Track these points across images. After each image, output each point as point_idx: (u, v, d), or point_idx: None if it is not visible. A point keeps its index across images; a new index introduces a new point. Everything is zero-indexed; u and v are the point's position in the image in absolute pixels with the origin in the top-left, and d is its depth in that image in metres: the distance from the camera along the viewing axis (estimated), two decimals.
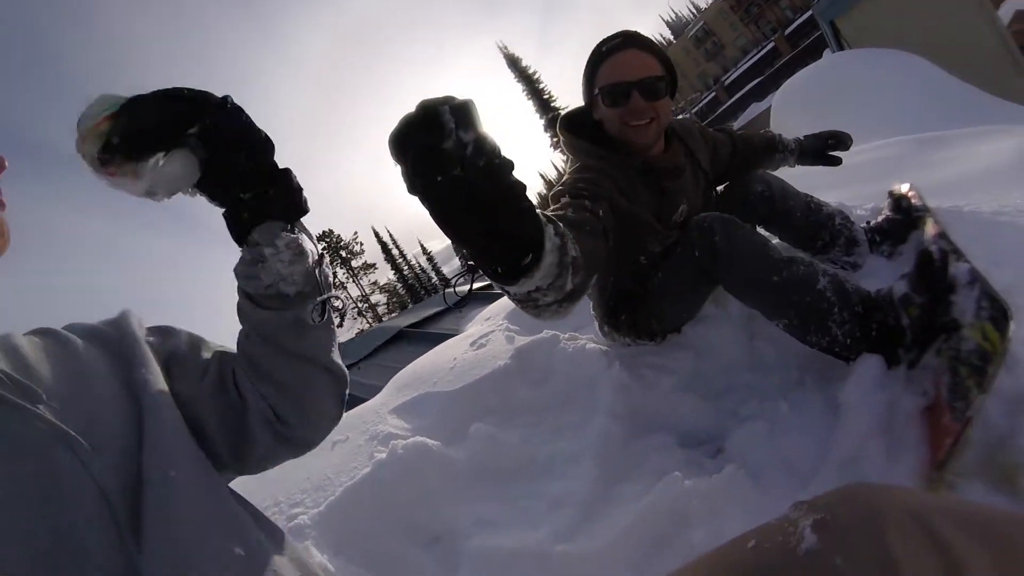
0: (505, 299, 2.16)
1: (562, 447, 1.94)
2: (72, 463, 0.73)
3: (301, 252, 0.97)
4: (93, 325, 0.98)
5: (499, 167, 0.86)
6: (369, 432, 2.17)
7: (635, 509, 1.57)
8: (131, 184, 0.87)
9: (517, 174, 0.91)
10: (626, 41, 1.91)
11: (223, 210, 0.97)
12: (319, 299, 1.00)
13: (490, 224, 0.90)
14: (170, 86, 0.88)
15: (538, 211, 1.05)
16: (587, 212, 1.58)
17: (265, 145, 0.95)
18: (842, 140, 2.39)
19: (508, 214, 0.91)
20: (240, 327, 1.03)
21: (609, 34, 1.94)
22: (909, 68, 7.39)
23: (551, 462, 1.92)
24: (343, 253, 49.77)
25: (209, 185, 0.94)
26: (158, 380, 0.92)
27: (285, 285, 0.96)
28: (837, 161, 2.29)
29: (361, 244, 50.83)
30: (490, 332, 2.80)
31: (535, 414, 2.15)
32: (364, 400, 2.86)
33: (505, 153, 0.87)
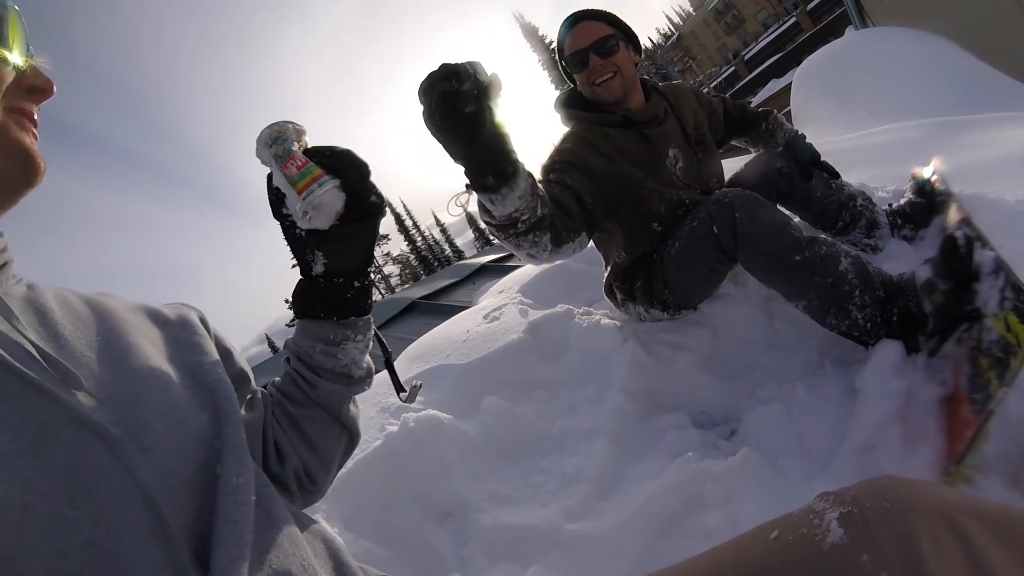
0: (518, 272, 2.35)
1: (575, 423, 1.94)
2: (111, 463, 0.61)
3: (369, 345, 1.06)
4: (145, 304, 0.90)
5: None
6: (380, 404, 2.15)
7: (648, 489, 1.58)
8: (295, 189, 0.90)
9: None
10: (576, 17, 2.18)
11: (326, 278, 0.97)
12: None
13: (488, 144, 1.30)
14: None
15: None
16: (554, 184, 1.91)
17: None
18: (830, 171, 2.34)
19: (502, 138, 1.33)
20: (275, 378, 1.05)
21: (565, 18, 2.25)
22: (934, 49, 7.24)
23: (564, 438, 1.92)
24: None
25: (334, 250, 0.96)
26: (226, 375, 0.84)
27: (355, 369, 1.02)
28: (809, 176, 2.27)
29: None
30: (503, 305, 2.78)
31: (549, 389, 2.14)
32: (376, 371, 2.86)
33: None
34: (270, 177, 0.93)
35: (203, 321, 0.94)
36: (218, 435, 0.73)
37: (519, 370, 2.23)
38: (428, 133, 1.29)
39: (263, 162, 0.94)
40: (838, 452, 1.47)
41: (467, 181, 1.45)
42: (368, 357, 1.06)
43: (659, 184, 2.05)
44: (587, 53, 2.10)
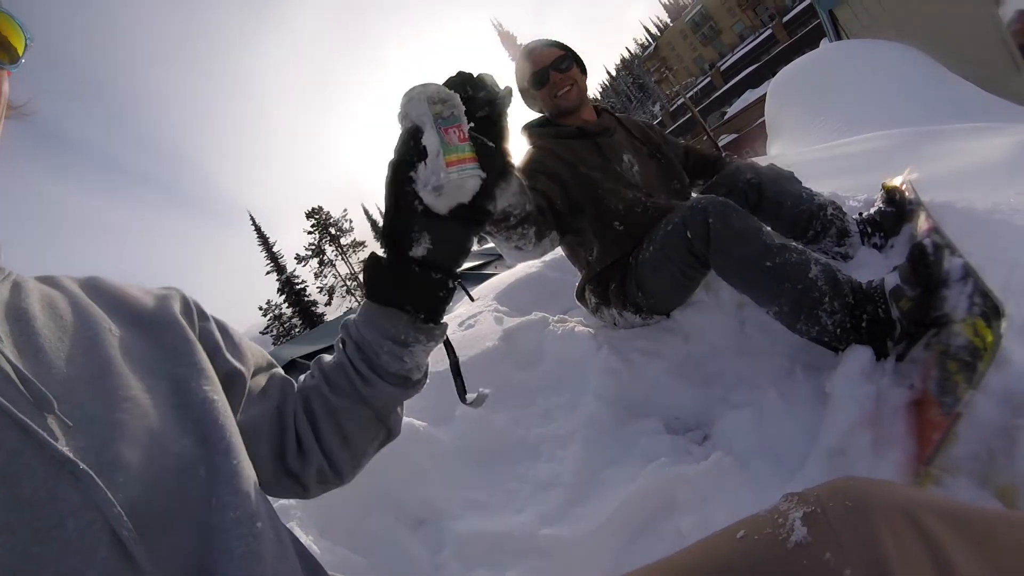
0: (494, 279, 2.44)
1: (550, 430, 1.95)
2: (80, 498, 0.58)
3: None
4: (135, 294, 0.83)
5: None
6: None
7: (622, 494, 1.58)
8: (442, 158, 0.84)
9: None
10: (529, 51, 2.49)
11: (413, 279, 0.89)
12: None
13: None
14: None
15: None
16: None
17: None
18: None
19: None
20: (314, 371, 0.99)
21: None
22: (906, 61, 7.36)
23: (539, 445, 1.92)
24: (332, 230, 49.29)
25: (442, 238, 0.89)
26: (218, 391, 0.78)
27: (416, 372, 0.97)
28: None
29: (351, 221, 50.23)
30: (479, 312, 2.79)
31: (523, 396, 2.15)
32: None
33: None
34: (412, 132, 0.85)
35: (189, 311, 0.87)
36: (205, 462, 0.69)
37: (494, 377, 2.23)
38: None
39: (411, 116, 0.86)
40: (809, 455, 1.48)
41: None
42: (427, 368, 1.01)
43: (615, 185, 2.23)
44: (547, 71, 2.41)
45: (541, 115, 2.55)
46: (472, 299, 1.06)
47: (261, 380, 0.96)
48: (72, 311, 0.73)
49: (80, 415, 0.62)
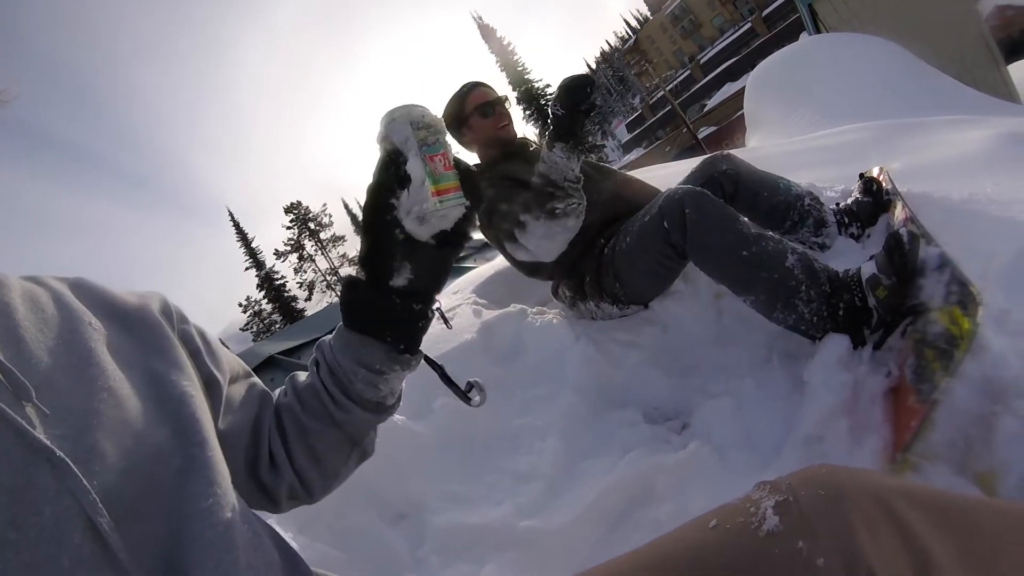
0: (472, 272, 2.50)
1: (529, 422, 1.94)
2: (56, 486, 0.58)
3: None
4: (117, 295, 0.82)
5: None
6: None
7: (600, 484, 1.58)
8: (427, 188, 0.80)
9: None
10: (474, 84, 2.68)
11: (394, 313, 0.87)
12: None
13: None
14: None
15: None
16: (508, 184, 2.33)
17: None
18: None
19: None
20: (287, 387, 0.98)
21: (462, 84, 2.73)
22: (885, 54, 7.40)
23: (517, 437, 1.91)
24: (311, 225, 48.94)
25: (424, 267, 0.87)
26: (195, 387, 0.78)
27: (391, 398, 0.96)
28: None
29: (330, 216, 49.79)
30: (457, 305, 2.77)
31: (502, 388, 2.13)
32: None
33: None
34: (394, 157, 0.82)
35: (169, 314, 0.85)
36: (180, 452, 0.69)
37: (473, 370, 2.21)
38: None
39: (394, 139, 0.82)
40: (786, 444, 1.49)
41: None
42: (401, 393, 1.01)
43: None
44: (493, 105, 2.61)
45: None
46: (449, 327, 1.05)
47: (239, 389, 0.93)
48: (55, 305, 0.73)
49: (58, 404, 0.63)
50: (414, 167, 0.81)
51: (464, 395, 1.04)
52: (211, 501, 0.67)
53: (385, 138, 0.83)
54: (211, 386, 0.85)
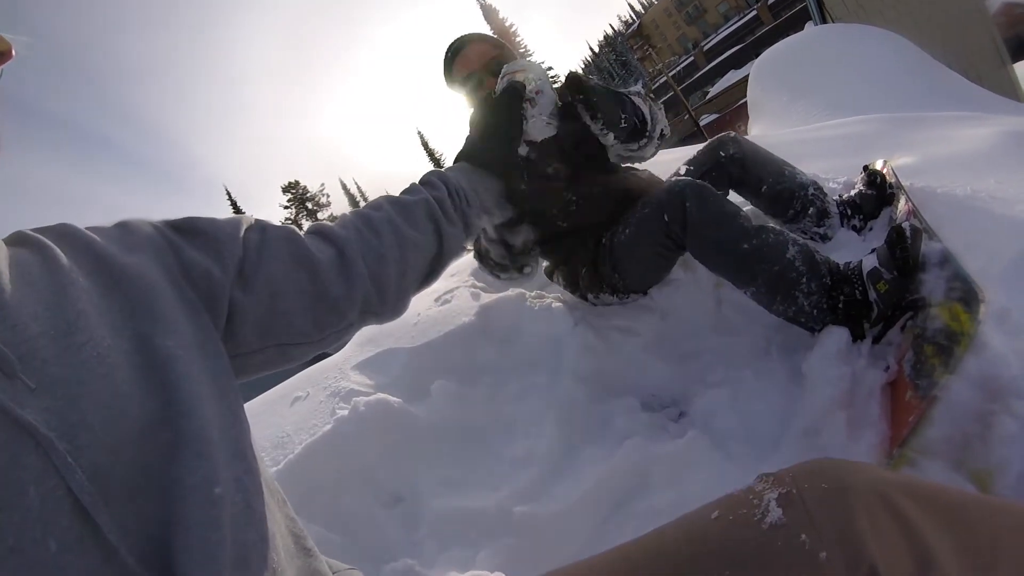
0: (470, 255, 2.43)
1: (526, 407, 1.94)
2: (42, 464, 0.55)
3: None
4: (100, 245, 0.74)
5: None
6: (330, 388, 2.13)
7: (597, 472, 1.58)
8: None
9: None
10: (463, 42, 2.33)
11: None
12: None
13: None
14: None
15: None
16: None
17: None
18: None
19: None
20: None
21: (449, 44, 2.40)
22: (891, 47, 7.35)
23: (514, 422, 1.91)
24: (309, 205, 48.72)
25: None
26: (183, 344, 0.72)
27: (477, 231, 1.26)
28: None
29: (328, 196, 49.53)
30: (455, 288, 2.77)
31: (499, 373, 2.14)
32: (327, 355, 2.82)
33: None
34: (513, 91, 1.40)
35: (168, 266, 0.77)
36: (170, 426, 0.65)
37: (470, 354, 2.22)
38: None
39: (533, 76, 1.45)
40: (784, 435, 1.50)
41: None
42: None
43: (544, 183, 2.22)
44: (479, 75, 2.24)
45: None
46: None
47: (254, 237, 0.90)
48: (40, 267, 0.68)
49: (44, 375, 0.59)
50: (548, 94, 1.44)
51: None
52: (197, 477, 0.64)
53: (523, 71, 1.47)
54: (248, 263, 0.84)
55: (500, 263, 1.80)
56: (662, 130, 2.09)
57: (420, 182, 1.16)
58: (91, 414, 0.60)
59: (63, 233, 0.74)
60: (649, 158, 2.18)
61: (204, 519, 0.62)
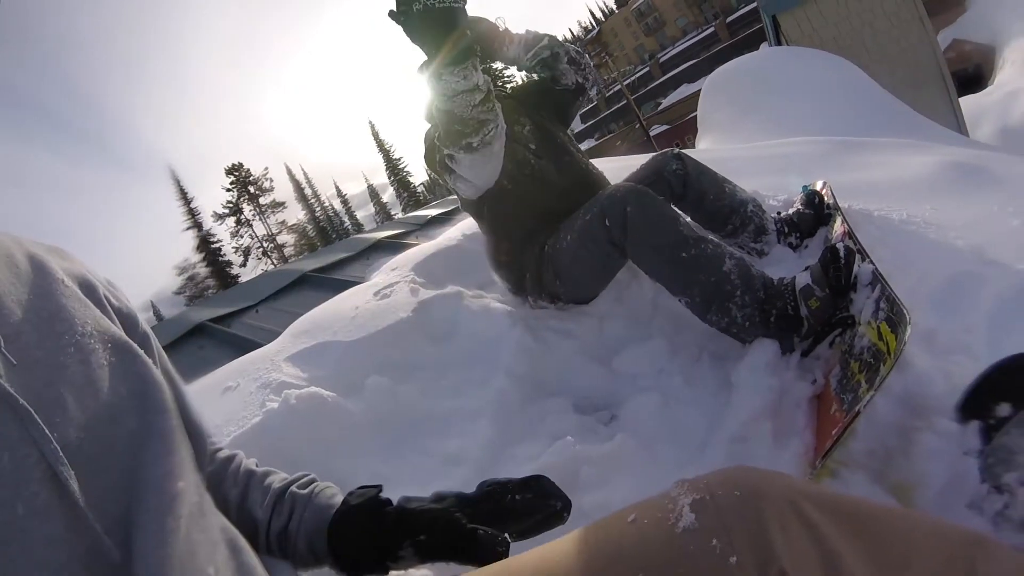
0: (413, 250, 2.45)
1: (460, 405, 1.93)
2: (18, 433, 0.60)
3: None
4: (83, 271, 0.83)
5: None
6: (262, 380, 2.09)
7: (527, 471, 1.58)
8: None
9: None
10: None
11: None
12: None
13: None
14: None
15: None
16: None
17: None
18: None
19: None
20: None
21: None
22: (841, 72, 7.56)
23: (448, 420, 1.90)
24: (252, 189, 47.75)
25: None
26: (153, 368, 0.79)
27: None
28: None
29: (271, 180, 48.75)
30: (395, 283, 2.73)
31: (435, 370, 2.12)
32: (260, 345, 2.76)
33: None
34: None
35: (102, 293, 0.84)
36: (137, 416, 0.72)
37: (406, 349, 2.20)
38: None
39: None
40: (710, 442, 1.52)
41: None
42: None
43: (509, 142, 2.11)
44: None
45: None
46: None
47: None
48: (29, 263, 0.75)
49: (25, 356, 0.66)
50: None
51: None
52: (162, 469, 0.70)
53: None
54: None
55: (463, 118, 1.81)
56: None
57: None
58: (68, 394, 0.66)
59: (58, 251, 0.83)
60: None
61: (164, 508, 0.68)
